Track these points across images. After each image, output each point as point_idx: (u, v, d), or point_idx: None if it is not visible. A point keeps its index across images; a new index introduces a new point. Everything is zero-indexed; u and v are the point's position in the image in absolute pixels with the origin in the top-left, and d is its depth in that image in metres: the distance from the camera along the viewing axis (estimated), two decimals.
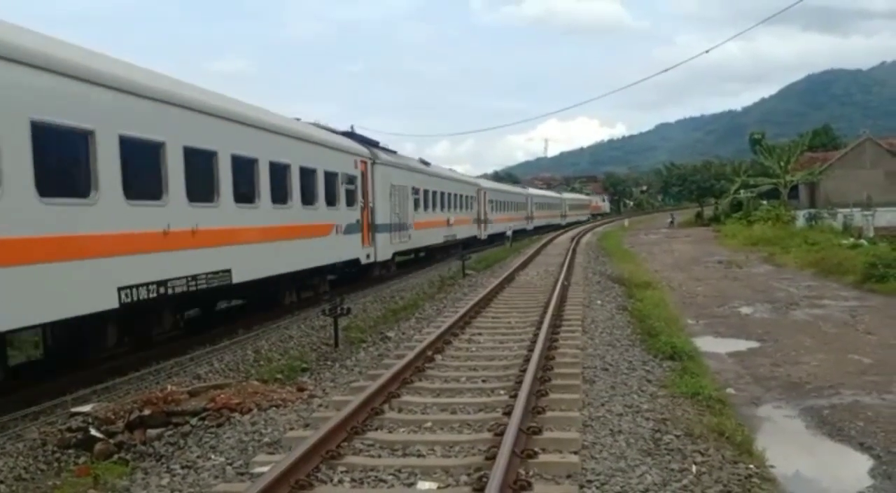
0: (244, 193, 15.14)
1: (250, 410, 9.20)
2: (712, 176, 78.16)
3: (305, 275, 18.96)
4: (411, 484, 6.53)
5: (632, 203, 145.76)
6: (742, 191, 66.97)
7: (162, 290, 12.22)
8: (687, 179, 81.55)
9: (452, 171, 44.84)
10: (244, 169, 15.16)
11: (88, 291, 10.61)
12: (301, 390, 10.50)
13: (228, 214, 14.47)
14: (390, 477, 6.65)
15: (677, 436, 7.83)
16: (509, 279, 23.23)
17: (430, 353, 11.65)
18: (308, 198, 18.47)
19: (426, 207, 31.09)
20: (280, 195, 16.82)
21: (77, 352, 12.00)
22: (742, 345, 13.94)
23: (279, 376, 11.59)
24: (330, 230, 19.92)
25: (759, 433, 8.54)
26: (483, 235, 44.37)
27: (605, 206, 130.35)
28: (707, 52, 30.20)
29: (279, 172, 16.79)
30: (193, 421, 8.98)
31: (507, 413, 7.97)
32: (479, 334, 13.91)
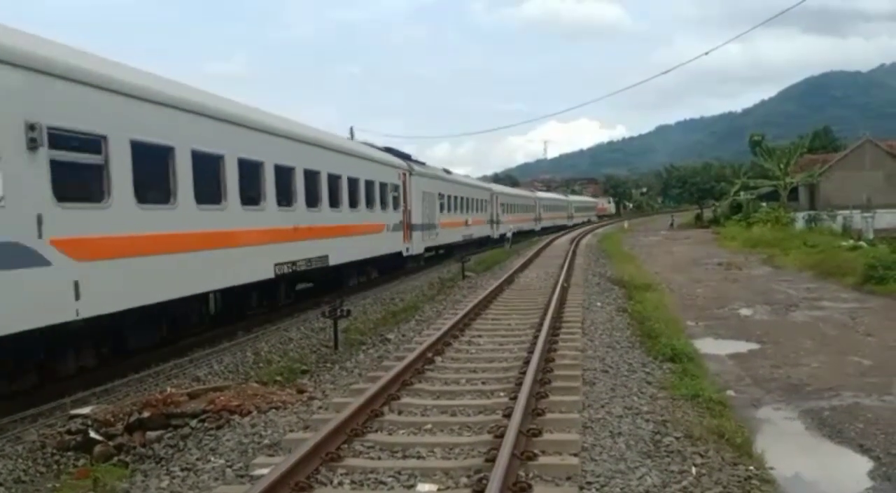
0: (334, 200, 20.57)
1: (250, 412, 9.20)
2: (712, 178, 78.31)
3: (365, 263, 24.22)
4: (411, 486, 6.53)
5: (631, 205, 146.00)
6: (742, 193, 67.01)
7: (293, 267, 17.57)
8: (687, 181, 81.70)
9: (468, 177, 49.63)
10: (333, 183, 20.51)
11: (260, 266, 16.06)
12: (301, 392, 10.49)
13: (326, 216, 19.83)
14: (390, 479, 6.65)
15: (677, 438, 7.83)
16: (509, 281, 23.23)
17: (429, 355, 11.65)
18: (370, 203, 23.79)
19: (449, 209, 35.75)
20: (354, 201, 22.22)
21: (242, 308, 16.94)
22: (742, 347, 13.93)
23: (279, 378, 11.58)
24: (383, 229, 25.22)
25: (759, 435, 8.54)
26: (495, 234, 48.23)
27: (611, 208, 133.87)
28: (707, 54, 30.06)
29: (353, 185, 22.22)
30: (193, 423, 8.98)
31: (507, 415, 7.97)
32: (479, 336, 13.91)
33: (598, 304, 18.16)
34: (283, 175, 17.29)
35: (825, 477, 7.69)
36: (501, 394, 9.39)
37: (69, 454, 8.69)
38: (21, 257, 9.42)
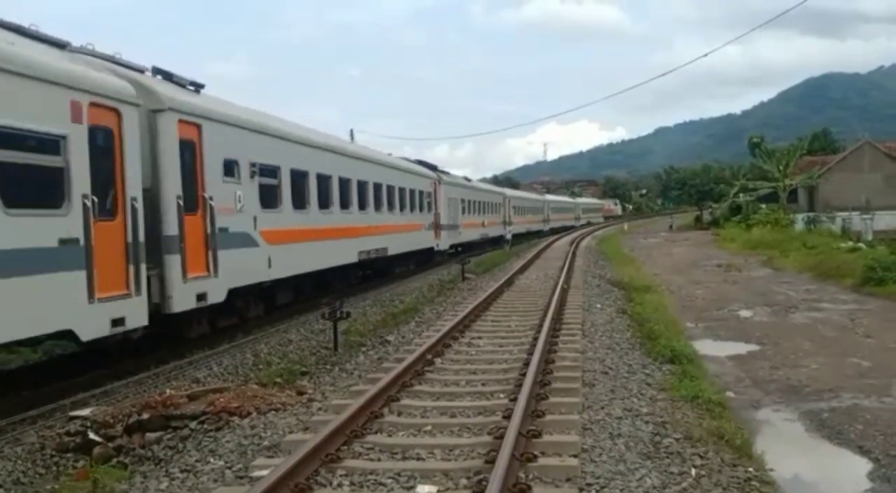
0: (391, 205, 26.85)
1: (249, 413, 9.20)
2: (711, 180, 78.26)
3: (408, 255, 29.75)
4: (411, 488, 6.52)
5: (631, 207, 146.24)
6: (741, 194, 67.02)
7: (367, 255, 23.73)
8: (686, 182, 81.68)
9: (484, 182, 58.68)
10: (390, 192, 26.79)
11: (351, 252, 22.35)
12: (300, 393, 10.49)
13: (386, 217, 25.96)
14: (390, 481, 6.65)
15: (677, 439, 7.83)
16: (509, 283, 23.24)
17: (429, 356, 11.65)
18: (412, 208, 29.93)
19: (469, 212, 41.79)
20: (402, 206, 28.48)
21: (341, 281, 22.77)
22: (741, 348, 13.94)
23: (278, 379, 11.57)
24: (421, 228, 31.27)
25: (759, 437, 8.54)
26: (508, 233, 53.24)
27: (617, 209, 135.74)
28: (706, 55, 30.17)
29: (402, 193, 28.46)
30: (192, 425, 8.98)
31: (507, 417, 7.97)
32: (479, 337, 13.92)
33: (598, 305, 18.17)
34: (362, 187, 23.42)
35: (825, 478, 7.70)
36: (501, 395, 9.39)
37: (68, 455, 8.69)
38: (247, 241, 15.44)
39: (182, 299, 12.84)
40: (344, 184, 21.65)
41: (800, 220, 49.07)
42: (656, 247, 45.52)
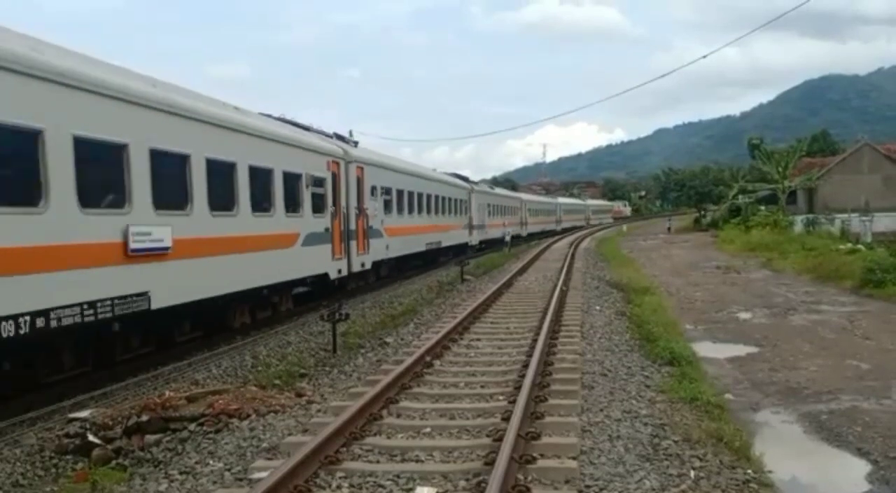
0: (443, 210, 34.99)
1: (249, 415, 9.20)
2: (710, 181, 78.20)
3: (451, 248, 37.05)
4: (410, 490, 6.53)
5: (630, 208, 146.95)
6: (740, 196, 67.00)
7: (430, 245, 31.95)
8: (685, 184, 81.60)
9: (506, 190, 67.46)
10: (444, 200, 35.22)
11: (423, 243, 31.01)
12: (299, 395, 10.50)
13: (441, 219, 34.51)
14: (389, 482, 6.66)
15: (676, 441, 7.84)
16: (508, 285, 23.25)
17: (428, 358, 11.66)
18: (455, 212, 38.49)
19: (493, 215, 50.17)
20: (449, 211, 36.80)
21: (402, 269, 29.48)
22: (740, 350, 13.93)
23: (277, 381, 11.58)
24: (460, 227, 39.64)
25: (758, 439, 8.54)
26: (524, 232, 62.34)
27: (627, 211, 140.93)
28: (705, 57, 30.08)
29: (450, 201, 36.79)
30: (192, 427, 8.99)
31: (506, 419, 7.98)
32: (478, 339, 13.92)
33: (597, 307, 18.17)
34: (429, 199, 32.25)
35: (823, 480, 7.71)
36: (500, 397, 9.40)
37: (67, 457, 8.70)
38: (378, 233, 24.11)
39: (357, 264, 22.19)
40: (419, 197, 30.46)
41: (799, 221, 49.05)
42: (655, 249, 45.51)
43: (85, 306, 10.32)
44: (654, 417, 8.79)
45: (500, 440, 7.17)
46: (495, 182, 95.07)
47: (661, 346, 12.72)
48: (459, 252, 39.08)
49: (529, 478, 6.65)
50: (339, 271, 20.59)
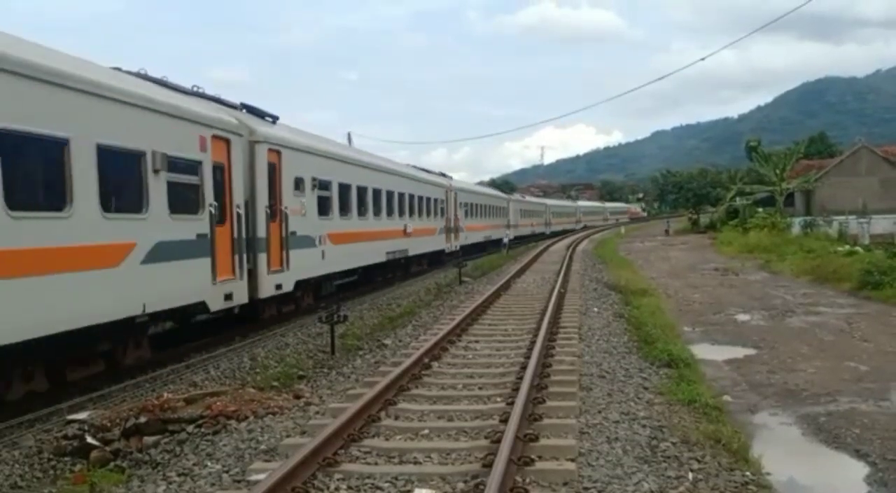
0: (494, 215, 50.25)
1: (247, 417, 9.20)
2: (708, 183, 78.25)
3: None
4: (408, 492, 6.53)
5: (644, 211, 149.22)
6: (738, 198, 67.08)
7: (484, 238, 47.84)
8: (683, 186, 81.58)
9: (534, 197, 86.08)
10: (492, 209, 50.12)
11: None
12: (297, 397, 10.50)
13: (491, 221, 49.26)
14: (387, 485, 6.65)
15: (674, 443, 7.85)
16: (506, 287, 23.24)
17: (426, 360, 11.66)
18: (499, 216, 51.93)
19: (525, 217, 64.16)
20: (496, 215, 51.41)
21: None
22: (738, 352, 13.94)
23: (275, 383, 11.57)
24: (501, 227, 51.70)
25: (756, 441, 8.54)
26: (548, 231, 75.66)
27: (643, 213, 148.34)
28: (703, 59, 30.29)
29: (496, 209, 51.28)
30: (190, 428, 8.98)
31: (504, 421, 7.98)
32: (476, 341, 13.92)
33: (595, 309, 18.18)
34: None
35: (822, 482, 7.71)
36: (498, 399, 9.40)
37: (66, 459, 8.68)
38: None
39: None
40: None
41: (796, 224, 49.10)
42: (653, 251, 45.54)
43: None
44: (653, 419, 8.80)
45: (498, 441, 7.17)
46: (493, 184, 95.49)
47: (660, 348, 12.73)
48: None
49: (528, 480, 6.65)
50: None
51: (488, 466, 6.59)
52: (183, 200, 12.97)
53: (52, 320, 9.79)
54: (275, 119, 18.22)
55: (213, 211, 13.78)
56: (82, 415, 9.63)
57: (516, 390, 9.30)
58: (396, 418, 8.83)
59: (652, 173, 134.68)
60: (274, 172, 16.52)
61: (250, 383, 11.69)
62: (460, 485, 6.59)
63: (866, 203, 49.57)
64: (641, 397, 9.87)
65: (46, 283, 9.66)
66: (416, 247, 29.86)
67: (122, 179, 11.60)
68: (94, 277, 10.64)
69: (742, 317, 18.03)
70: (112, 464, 8.42)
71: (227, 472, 7.30)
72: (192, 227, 13.25)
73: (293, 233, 17.27)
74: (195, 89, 15.16)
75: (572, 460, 7.12)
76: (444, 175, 39.23)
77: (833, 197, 55.57)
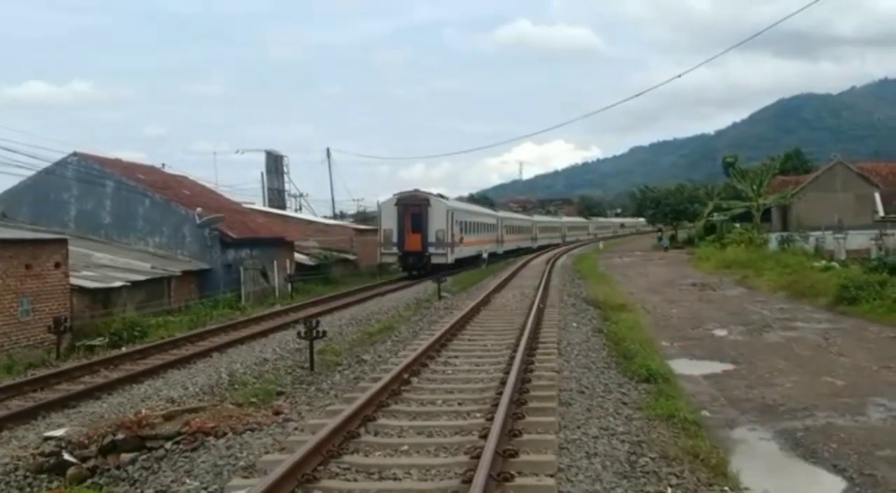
0: (524, 231, 74.02)
1: (225, 434, 9.15)
2: (686, 199, 78.76)
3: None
4: None
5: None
6: (715, 214, 67.49)
7: (515, 246, 68.55)
8: (661, 202, 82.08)
9: (548, 216, 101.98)
10: (525, 228, 74.83)
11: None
12: (276, 413, 10.45)
13: (527, 236, 75.35)
14: None
15: (653, 458, 7.88)
16: (485, 302, 23.23)
17: (406, 376, 11.63)
18: (528, 232, 75.01)
19: (512, 232, 66.29)
20: (525, 231, 74.43)
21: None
22: (717, 367, 14.02)
23: (254, 399, 11.53)
24: (528, 239, 74.45)
25: (734, 456, 8.59)
26: (535, 246, 79.19)
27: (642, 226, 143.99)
28: (679, 76, 30.72)
29: (524, 227, 74.02)
30: (168, 445, 8.92)
31: (484, 436, 7.98)
32: (456, 356, 13.91)
33: (574, 324, 18.22)
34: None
35: None
36: (478, 415, 9.40)
37: (42, 476, 8.61)
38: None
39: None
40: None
41: (773, 239, 49.41)
42: (631, 266, 45.74)
43: None
44: (632, 434, 8.83)
45: (477, 457, 7.17)
46: (472, 199, 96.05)
47: (638, 363, 12.79)
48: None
49: None
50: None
51: (468, 482, 6.59)
52: (529, 231, 75.76)
53: (522, 244, 68.97)
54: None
55: (531, 232, 71.15)
56: (59, 432, 9.55)
57: (496, 405, 9.30)
58: (376, 434, 8.80)
59: (630, 189, 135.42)
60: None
61: (229, 399, 11.63)
62: None
63: (842, 219, 49.98)
64: (620, 413, 9.90)
65: (519, 242, 66.43)
66: (552, 241, 68.60)
67: (529, 229, 75.50)
68: (528, 241, 71.89)
69: (720, 332, 18.13)
70: (89, 481, 8.35)
71: (205, 489, 7.26)
72: (531, 235, 75.12)
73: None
74: (523, 208, 75.28)
75: (552, 475, 7.12)
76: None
77: (809, 212, 55.97)
